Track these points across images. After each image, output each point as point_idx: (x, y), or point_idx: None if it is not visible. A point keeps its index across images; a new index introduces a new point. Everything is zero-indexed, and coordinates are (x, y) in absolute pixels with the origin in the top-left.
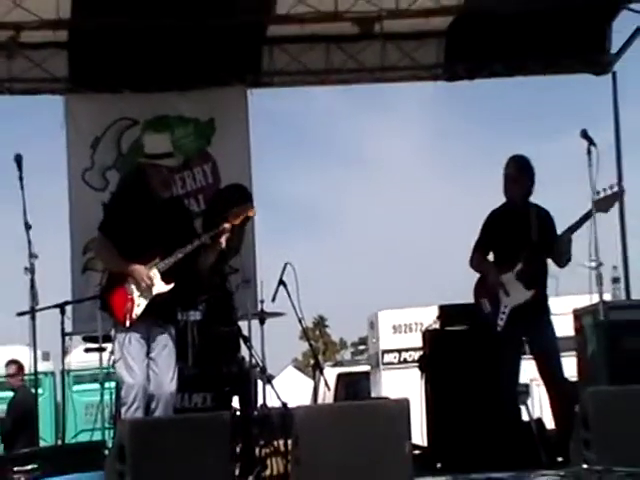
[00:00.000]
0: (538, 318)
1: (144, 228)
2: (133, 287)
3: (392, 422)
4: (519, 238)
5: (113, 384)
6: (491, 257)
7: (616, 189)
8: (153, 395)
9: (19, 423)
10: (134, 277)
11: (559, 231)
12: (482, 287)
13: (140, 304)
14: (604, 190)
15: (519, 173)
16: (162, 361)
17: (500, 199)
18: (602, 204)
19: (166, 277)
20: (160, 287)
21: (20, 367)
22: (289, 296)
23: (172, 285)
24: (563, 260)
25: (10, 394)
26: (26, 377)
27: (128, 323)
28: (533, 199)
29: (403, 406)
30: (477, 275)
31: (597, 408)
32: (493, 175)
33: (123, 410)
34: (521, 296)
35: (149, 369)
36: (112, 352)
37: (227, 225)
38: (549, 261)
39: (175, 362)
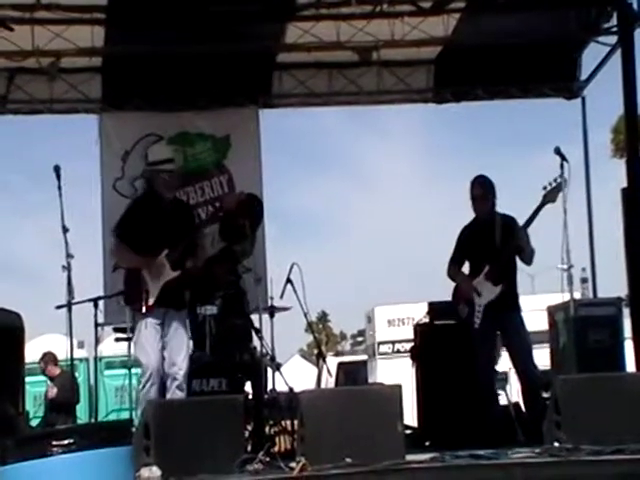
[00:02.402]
0: (510, 314)
1: (152, 226)
2: (147, 278)
3: (386, 405)
4: (486, 246)
5: (139, 370)
6: (467, 267)
7: (560, 180)
8: (168, 374)
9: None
10: (147, 267)
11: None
12: (458, 294)
13: (153, 293)
14: (550, 184)
15: (484, 191)
16: (174, 343)
17: None
18: (550, 196)
19: (174, 266)
20: (169, 274)
21: (47, 361)
22: (295, 293)
23: (179, 272)
24: (526, 255)
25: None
26: (63, 362)
27: (144, 309)
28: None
29: (396, 391)
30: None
31: (567, 393)
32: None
33: (139, 388)
34: (491, 293)
35: (164, 351)
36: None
37: None
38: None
39: (187, 343)
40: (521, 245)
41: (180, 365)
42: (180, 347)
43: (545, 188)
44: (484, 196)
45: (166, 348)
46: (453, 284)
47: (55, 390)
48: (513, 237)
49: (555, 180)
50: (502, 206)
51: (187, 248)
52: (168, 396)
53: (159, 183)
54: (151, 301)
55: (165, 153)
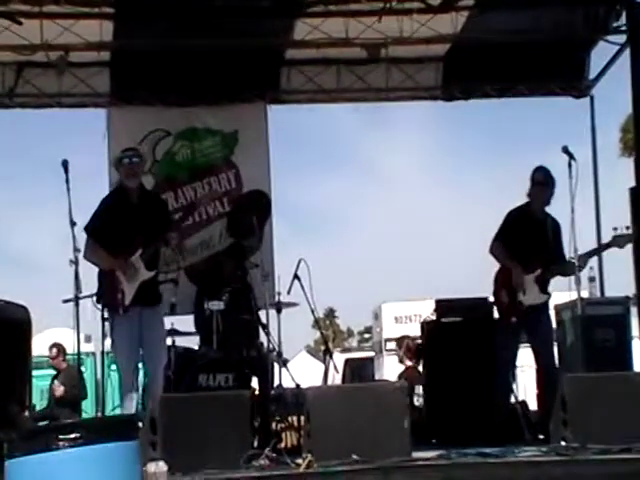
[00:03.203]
0: (542, 314)
1: (123, 224)
2: (122, 279)
3: (393, 402)
4: (537, 243)
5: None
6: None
7: (631, 231)
8: (148, 369)
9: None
10: (121, 270)
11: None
12: (503, 278)
13: (129, 293)
14: (622, 229)
15: (548, 181)
16: (152, 338)
17: (490, 207)
18: (619, 240)
19: (149, 265)
20: (144, 275)
21: (59, 349)
22: (303, 289)
23: (155, 272)
24: (570, 274)
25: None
26: (70, 356)
27: (121, 311)
28: None
29: (403, 388)
30: (471, 270)
31: (574, 392)
32: (485, 184)
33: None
34: (537, 298)
35: (143, 347)
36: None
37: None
38: None
39: (164, 337)
40: (574, 270)
41: (158, 360)
42: (158, 341)
43: (615, 229)
44: (547, 183)
45: (144, 345)
46: (461, 282)
47: (62, 388)
48: (560, 248)
49: (628, 228)
50: (510, 204)
51: (159, 248)
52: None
53: (124, 174)
54: (127, 301)
55: (126, 144)
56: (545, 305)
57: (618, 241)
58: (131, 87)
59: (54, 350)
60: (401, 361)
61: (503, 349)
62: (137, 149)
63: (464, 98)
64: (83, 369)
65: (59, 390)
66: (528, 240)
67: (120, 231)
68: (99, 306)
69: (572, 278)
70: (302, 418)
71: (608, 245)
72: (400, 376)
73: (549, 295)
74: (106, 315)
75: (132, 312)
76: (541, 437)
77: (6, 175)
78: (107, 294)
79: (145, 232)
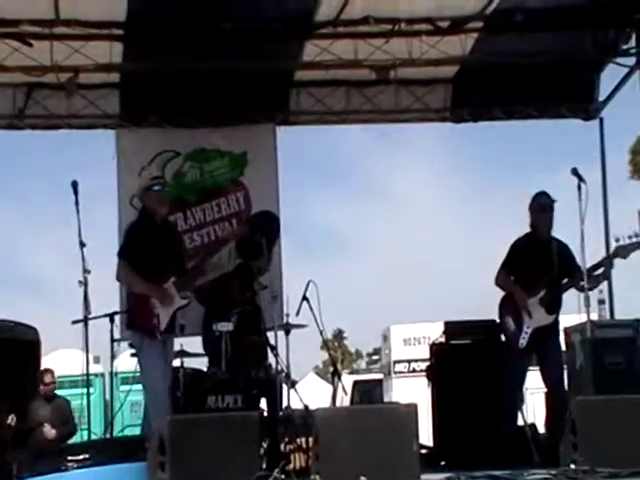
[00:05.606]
0: (551, 337)
1: (155, 251)
2: (157, 304)
3: (402, 424)
4: (542, 267)
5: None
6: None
7: (636, 240)
8: None
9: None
10: (159, 296)
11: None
12: (508, 305)
13: (164, 319)
14: (627, 237)
15: (549, 206)
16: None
17: (499, 228)
18: (623, 250)
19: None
20: (178, 302)
21: (53, 375)
22: (311, 310)
23: (188, 300)
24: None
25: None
26: (79, 377)
27: (159, 336)
28: None
29: (411, 410)
30: (480, 292)
31: (584, 415)
32: (495, 205)
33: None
34: (543, 319)
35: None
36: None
37: None
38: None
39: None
40: (579, 284)
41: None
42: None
43: (618, 240)
44: (547, 210)
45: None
46: (473, 302)
47: (53, 432)
48: (571, 267)
49: (631, 237)
50: (521, 225)
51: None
52: None
53: (153, 202)
54: (163, 327)
55: (154, 172)
56: (554, 328)
57: (621, 252)
58: (140, 108)
59: (49, 376)
60: None
61: (511, 373)
62: (162, 176)
63: (473, 120)
64: (92, 390)
65: (50, 434)
66: (533, 264)
67: (152, 257)
68: (118, 328)
69: (582, 300)
70: (311, 440)
71: (613, 256)
72: None
73: (556, 316)
74: (116, 335)
75: (163, 337)
76: (552, 460)
77: (17, 195)
78: (141, 318)
79: (175, 260)
